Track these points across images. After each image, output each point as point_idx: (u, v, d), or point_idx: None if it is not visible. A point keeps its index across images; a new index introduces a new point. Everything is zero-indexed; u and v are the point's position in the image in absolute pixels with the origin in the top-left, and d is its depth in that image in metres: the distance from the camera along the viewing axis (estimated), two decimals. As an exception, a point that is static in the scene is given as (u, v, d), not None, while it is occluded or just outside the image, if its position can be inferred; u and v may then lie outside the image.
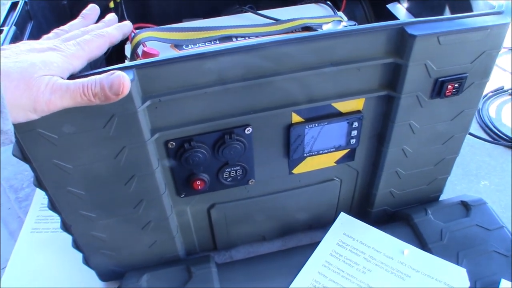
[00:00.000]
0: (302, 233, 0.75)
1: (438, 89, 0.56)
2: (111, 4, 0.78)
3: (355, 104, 0.58)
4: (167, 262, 0.67)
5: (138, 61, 0.47)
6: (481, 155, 0.90)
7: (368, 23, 0.83)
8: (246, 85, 0.50)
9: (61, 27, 0.50)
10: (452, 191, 0.82)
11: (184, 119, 0.52)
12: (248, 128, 0.55)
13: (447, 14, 0.64)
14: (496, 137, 0.93)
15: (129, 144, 0.50)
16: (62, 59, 0.43)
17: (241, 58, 0.49)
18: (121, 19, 0.77)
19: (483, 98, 1.02)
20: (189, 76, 0.49)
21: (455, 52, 0.54)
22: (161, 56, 0.50)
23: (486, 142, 0.92)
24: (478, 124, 0.97)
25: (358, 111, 0.58)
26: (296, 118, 0.57)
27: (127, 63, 0.47)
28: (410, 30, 0.51)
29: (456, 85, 0.57)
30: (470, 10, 0.59)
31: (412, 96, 0.56)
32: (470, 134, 0.91)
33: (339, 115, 0.58)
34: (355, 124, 0.59)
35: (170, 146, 0.54)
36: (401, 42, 0.52)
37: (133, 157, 0.52)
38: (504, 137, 0.92)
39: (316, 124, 0.58)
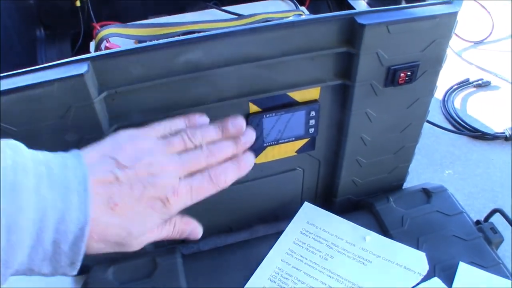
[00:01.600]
0: (269, 224, 0.76)
1: (391, 77, 0.58)
2: (77, 3, 0.78)
3: (312, 93, 0.59)
4: (134, 255, 0.68)
5: (92, 54, 0.48)
6: (446, 145, 0.93)
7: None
8: (201, 75, 0.51)
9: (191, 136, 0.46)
10: (417, 180, 0.84)
11: (142, 110, 0.53)
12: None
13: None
14: (460, 127, 0.96)
15: (87, 135, 0.51)
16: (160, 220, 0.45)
17: (195, 49, 0.50)
18: (87, 17, 0.78)
19: (449, 90, 1.04)
20: (144, 68, 0.49)
21: (405, 40, 0.55)
22: (115, 49, 0.51)
23: (450, 133, 0.95)
24: (443, 115, 0.99)
25: (315, 100, 0.60)
26: (253, 108, 0.58)
27: (82, 55, 0.48)
28: (360, 20, 0.53)
29: (409, 73, 0.58)
30: (425, 1, 0.61)
31: (366, 84, 0.58)
32: (435, 125, 0.93)
33: (296, 104, 0.59)
34: (313, 113, 0.60)
35: (130, 137, 0.55)
36: (352, 31, 0.54)
37: (92, 148, 0.52)
38: (468, 127, 0.95)
39: (274, 114, 0.59)
